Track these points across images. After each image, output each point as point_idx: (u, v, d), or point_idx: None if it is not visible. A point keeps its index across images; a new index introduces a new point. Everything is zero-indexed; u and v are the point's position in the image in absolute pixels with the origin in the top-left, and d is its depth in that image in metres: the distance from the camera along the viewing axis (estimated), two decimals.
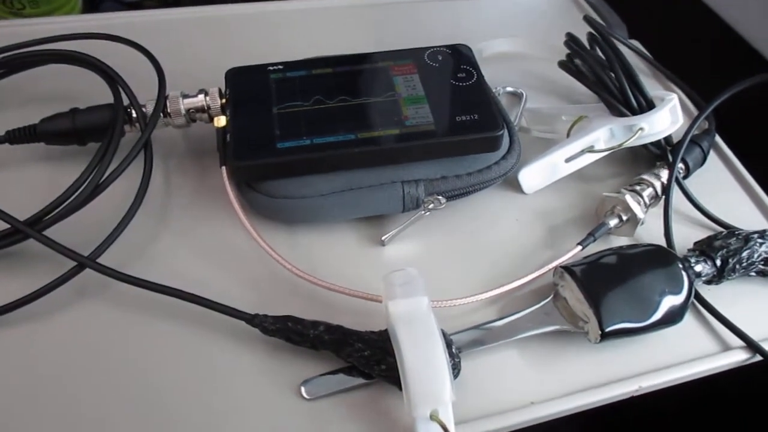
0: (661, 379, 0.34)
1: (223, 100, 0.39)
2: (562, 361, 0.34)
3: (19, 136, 0.38)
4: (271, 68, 0.40)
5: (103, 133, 0.37)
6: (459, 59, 0.41)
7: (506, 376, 0.33)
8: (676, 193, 0.41)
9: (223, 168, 0.37)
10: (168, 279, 0.33)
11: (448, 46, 0.42)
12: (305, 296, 0.35)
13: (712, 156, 0.45)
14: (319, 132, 0.36)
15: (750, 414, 0.50)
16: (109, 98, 0.39)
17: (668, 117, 0.40)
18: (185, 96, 0.39)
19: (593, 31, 0.45)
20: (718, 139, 0.46)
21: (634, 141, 0.40)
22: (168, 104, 0.38)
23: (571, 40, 0.46)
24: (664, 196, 0.40)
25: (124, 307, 0.34)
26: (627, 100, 0.41)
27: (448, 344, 0.31)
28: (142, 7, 0.78)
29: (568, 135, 0.42)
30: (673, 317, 0.34)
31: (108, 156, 0.36)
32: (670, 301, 0.34)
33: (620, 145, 0.40)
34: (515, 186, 0.41)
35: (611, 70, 0.43)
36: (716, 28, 0.61)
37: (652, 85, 0.49)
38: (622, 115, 0.41)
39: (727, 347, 0.36)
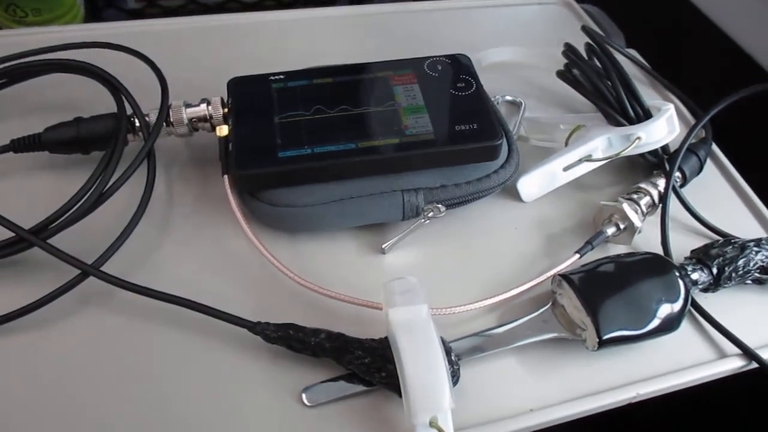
0: (658, 386, 0.34)
1: (226, 110, 0.39)
2: (561, 369, 0.34)
3: (23, 145, 0.39)
4: (272, 78, 0.40)
5: (107, 142, 0.38)
6: (458, 69, 0.42)
7: (505, 383, 0.34)
8: (673, 202, 0.41)
9: (225, 177, 0.38)
10: (171, 287, 0.34)
11: (448, 55, 0.43)
12: (306, 304, 0.35)
13: (709, 165, 0.46)
14: (320, 141, 0.37)
15: (746, 421, 0.50)
16: (112, 107, 0.39)
17: (665, 126, 0.41)
18: (188, 105, 0.39)
19: (591, 41, 0.45)
20: (714, 148, 0.47)
21: (632, 150, 0.40)
22: (171, 113, 0.39)
23: (569, 50, 0.46)
24: (661, 205, 0.41)
25: (127, 315, 0.34)
26: (624, 110, 0.42)
27: (448, 351, 0.32)
28: (145, 16, 0.79)
29: (566, 144, 0.42)
30: (670, 325, 0.34)
31: (111, 165, 0.36)
32: (666, 309, 0.34)
33: (618, 154, 0.40)
34: (514, 194, 0.42)
35: (608, 80, 0.43)
36: (714, 38, 0.61)
37: (649, 95, 0.50)
38: (619, 124, 0.41)
39: (723, 355, 0.36)
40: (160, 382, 0.32)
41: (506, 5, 0.60)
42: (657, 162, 0.42)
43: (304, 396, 0.32)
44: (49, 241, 0.34)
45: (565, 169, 0.41)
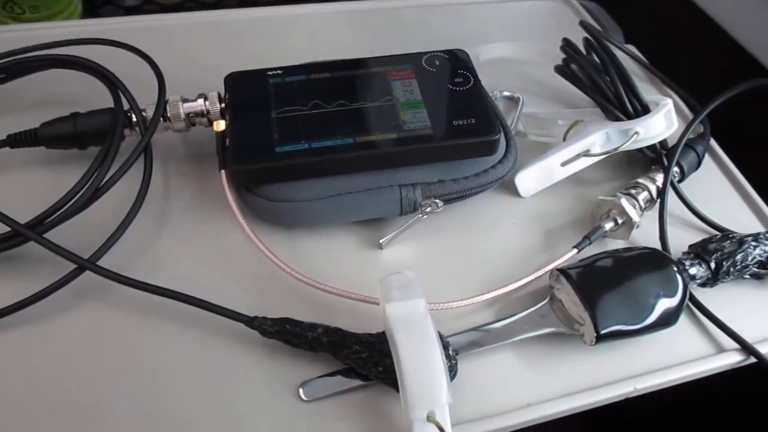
0: (655, 380, 0.34)
1: (223, 105, 0.39)
2: (558, 363, 0.34)
3: (20, 140, 0.39)
4: (270, 73, 0.40)
5: (104, 137, 0.37)
6: (456, 64, 0.42)
7: (503, 378, 0.34)
8: (671, 197, 0.41)
9: (223, 172, 0.37)
10: (168, 282, 0.34)
11: (446, 51, 0.42)
12: (304, 299, 0.35)
13: (707, 160, 0.46)
14: (318, 136, 0.37)
15: (743, 415, 0.51)
16: (109, 102, 0.39)
17: (663, 121, 0.41)
18: (185, 100, 0.39)
19: (589, 36, 0.45)
20: (712, 143, 0.47)
21: (630, 145, 0.40)
22: (168, 108, 0.39)
23: (567, 45, 0.46)
24: (659, 200, 0.41)
25: (123, 310, 0.34)
26: (622, 105, 0.41)
27: (445, 346, 0.32)
28: (142, 12, 0.79)
29: (564, 139, 0.42)
30: (667, 319, 0.34)
31: (108, 160, 0.36)
32: (664, 304, 0.34)
33: (616, 149, 0.40)
34: (512, 189, 0.42)
35: (607, 75, 0.43)
36: (711, 33, 0.61)
37: (647, 90, 0.49)
38: (617, 119, 0.41)
39: (721, 349, 0.36)
40: (157, 376, 0.32)
41: (504, 0, 0.60)
42: (655, 157, 0.42)
43: (301, 391, 0.32)
44: (45, 235, 0.34)
45: (563, 164, 0.41)
